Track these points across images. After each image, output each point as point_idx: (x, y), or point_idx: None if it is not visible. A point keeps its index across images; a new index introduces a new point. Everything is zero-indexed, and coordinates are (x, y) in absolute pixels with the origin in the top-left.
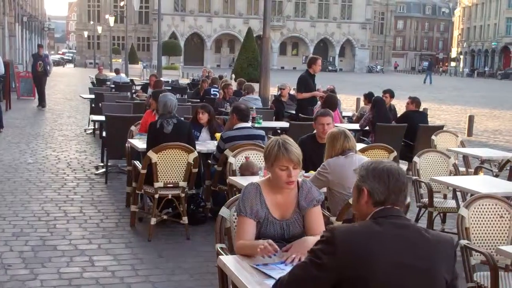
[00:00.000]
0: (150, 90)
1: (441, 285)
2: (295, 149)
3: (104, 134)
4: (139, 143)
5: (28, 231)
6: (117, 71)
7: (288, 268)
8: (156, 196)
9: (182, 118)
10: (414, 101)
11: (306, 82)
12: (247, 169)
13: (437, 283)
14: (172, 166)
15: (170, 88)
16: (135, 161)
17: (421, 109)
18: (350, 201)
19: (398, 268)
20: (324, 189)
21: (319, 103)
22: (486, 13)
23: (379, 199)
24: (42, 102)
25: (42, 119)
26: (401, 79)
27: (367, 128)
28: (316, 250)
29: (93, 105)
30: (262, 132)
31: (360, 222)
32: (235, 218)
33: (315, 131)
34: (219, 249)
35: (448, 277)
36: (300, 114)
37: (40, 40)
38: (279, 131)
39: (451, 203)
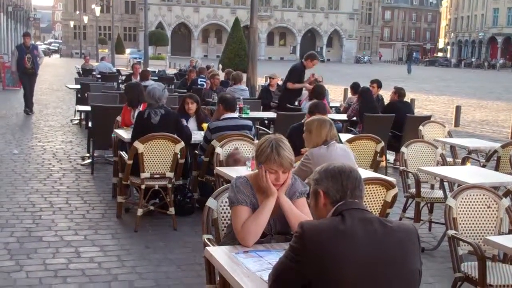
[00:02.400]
0: (135, 80)
1: (415, 276)
2: (288, 154)
3: (90, 124)
4: (125, 133)
5: (14, 222)
6: (102, 59)
7: (266, 257)
8: (143, 186)
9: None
10: (398, 91)
11: (299, 73)
12: (232, 157)
13: (411, 274)
14: (158, 156)
15: (157, 78)
16: (121, 152)
17: (408, 100)
18: None
19: (368, 264)
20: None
21: (306, 93)
22: (473, 3)
23: (336, 198)
24: (30, 106)
25: None
26: (388, 69)
27: (354, 118)
28: (291, 245)
29: (79, 95)
30: (250, 122)
31: (328, 219)
32: (222, 209)
33: (304, 119)
34: (206, 240)
35: (419, 267)
36: (287, 105)
37: (25, 30)
38: (266, 121)
39: (439, 193)
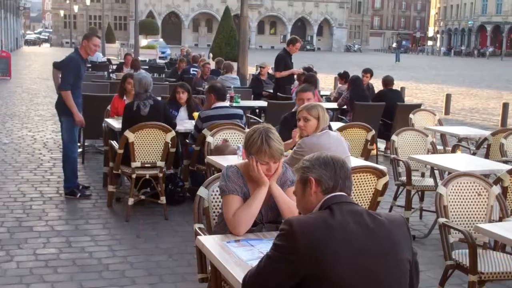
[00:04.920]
0: (126, 70)
1: (406, 265)
2: (278, 145)
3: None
4: (116, 122)
5: (4, 212)
6: None
7: (258, 245)
8: (134, 176)
9: (160, 98)
10: (385, 80)
11: (284, 60)
12: (220, 151)
13: (402, 264)
14: (149, 145)
15: (147, 67)
16: (112, 141)
17: (398, 88)
18: None
19: (361, 256)
20: None
21: (297, 82)
22: None
23: (328, 186)
24: None
25: (18, 99)
26: (379, 58)
27: (345, 107)
28: (277, 244)
29: None
30: (240, 111)
31: (316, 213)
32: (213, 198)
33: (295, 108)
34: (197, 229)
35: (410, 257)
36: (278, 93)
37: (15, 19)
38: (257, 110)
39: (429, 181)
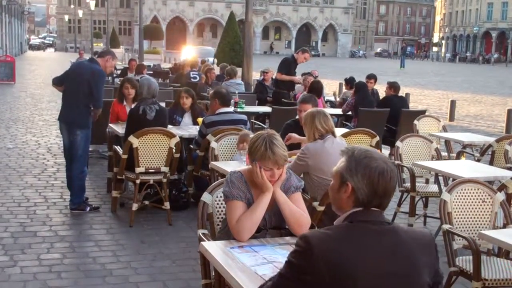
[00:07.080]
0: (130, 75)
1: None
2: (282, 151)
3: None
4: (120, 128)
5: (8, 217)
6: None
7: (261, 251)
8: (138, 181)
9: (164, 103)
10: (393, 86)
11: (289, 65)
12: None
13: (421, 286)
14: (153, 151)
15: (151, 72)
16: (116, 146)
17: (403, 94)
18: None
19: (380, 278)
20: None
21: (300, 87)
22: None
23: (362, 200)
24: None
25: (22, 104)
26: (383, 64)
27: (349, 113)
28: (292, 262)
29: None
30: (244, 117)
31: (337, 228)
32: (217, 204)
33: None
34: (201, 235)
35: (430, 280)
36: (281, 98)
37: (20, 24)
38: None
39: (433, 188)
